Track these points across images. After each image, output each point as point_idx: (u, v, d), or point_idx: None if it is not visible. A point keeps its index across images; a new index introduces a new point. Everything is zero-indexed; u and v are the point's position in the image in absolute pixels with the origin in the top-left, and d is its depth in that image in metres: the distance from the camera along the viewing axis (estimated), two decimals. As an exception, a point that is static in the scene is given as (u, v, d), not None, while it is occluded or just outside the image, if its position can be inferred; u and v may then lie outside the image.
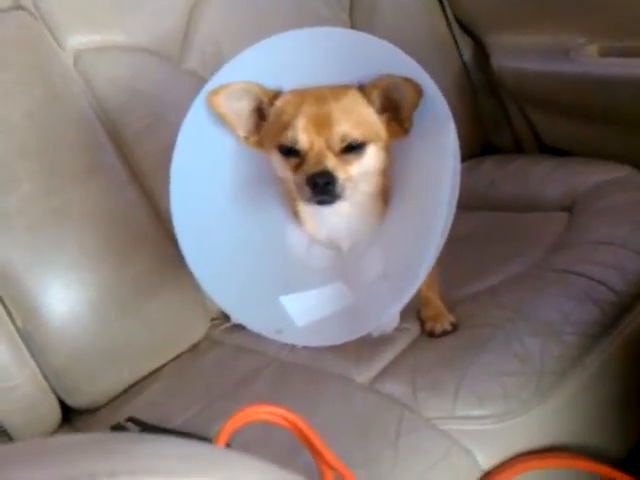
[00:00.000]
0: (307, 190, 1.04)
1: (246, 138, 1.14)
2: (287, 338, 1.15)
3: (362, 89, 1.08)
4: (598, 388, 1.12)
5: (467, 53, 1.77)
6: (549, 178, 1.60)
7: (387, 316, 1.13)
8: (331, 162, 1.03)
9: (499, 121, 1.80)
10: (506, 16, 1.68)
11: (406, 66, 1.04)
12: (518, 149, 1.82)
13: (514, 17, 1.66)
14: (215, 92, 1.10)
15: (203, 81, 1.42)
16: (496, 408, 1.03)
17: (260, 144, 1.14)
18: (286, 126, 1.06)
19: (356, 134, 1.05)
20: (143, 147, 1.35)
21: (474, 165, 1.75)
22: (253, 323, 1.17)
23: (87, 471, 0.37)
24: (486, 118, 1.82)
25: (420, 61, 1.75)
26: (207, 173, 1.16)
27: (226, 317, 1.42)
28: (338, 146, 1.04)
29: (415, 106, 1.04)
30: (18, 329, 1.22)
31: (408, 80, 1.03)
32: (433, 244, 1.03)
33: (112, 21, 1.39)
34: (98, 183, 1.27)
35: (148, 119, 1.35)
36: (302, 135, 1.04)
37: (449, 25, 1.75)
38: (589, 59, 1.54)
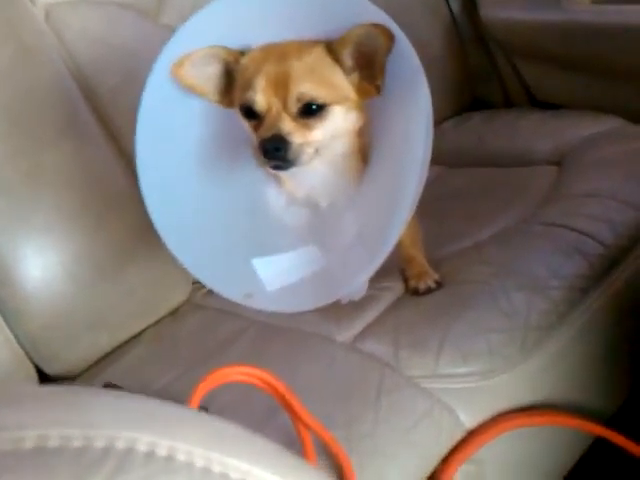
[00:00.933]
0: (259, 154, 0.99)
1: (219, 101, 1.09)
2: (255, 303, 1.11)
3: (329, 46, 1.01)
4: (585, 343, 1.09)
5: (455, 4, 1.71)
6: (538, 132, 1.56)
7: (358, 282, 1.08)
8: (286, 126, 0.98)
9: (488, 74, 1.76)
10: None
11: (376, 18, 0.98)
12: (507, 103, 1.78)
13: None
14: (179, 64, 1.04)
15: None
16: (480, 365, 1.01)
17: (232, 104, 1.08)
18: (248, 86, 1.01)
19: (316, 94, 0.98)
20: (118, 104, 1.30)
21: (462, 120, 1.71)
22: (221, 287, 1.13)
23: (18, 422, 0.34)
24: (475, 72, 1.77)
25: (407, 13, 1.71)
26: (176, 131, 1.11)
27: (207, 281, 1.39)
28: (295, 107, 0.98)
29: (388, 52, 0.98)
30: (-8, 295, 1.19)
31: (378, 26, 0.97)
32: (404, 207, 0.97)
33: (85, -26, 1.33)
34: (72, 142, 1.23)
35: (123, 75, 1.30)
36: (259, 95, 0.99)
37: (437, -24, 1.69)
38: (580, 6, 1.50)
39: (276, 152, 0.97)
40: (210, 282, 1.13)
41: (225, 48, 1.05)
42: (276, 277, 1.09)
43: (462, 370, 1.00)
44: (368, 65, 1.00)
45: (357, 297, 1.11)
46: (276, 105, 0.99)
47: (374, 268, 1.01)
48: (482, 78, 1.77)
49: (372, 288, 1.17)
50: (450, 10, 1.72)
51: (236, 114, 1.06)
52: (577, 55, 1.55)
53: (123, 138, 1.31)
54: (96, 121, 1.28)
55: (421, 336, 1.04)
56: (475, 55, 1.75)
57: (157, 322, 1.33)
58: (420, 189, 0.98)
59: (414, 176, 0.96)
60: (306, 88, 0.98)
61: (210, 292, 1.38)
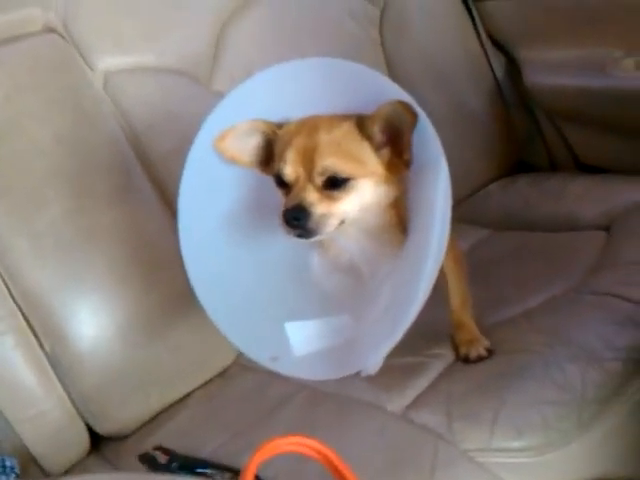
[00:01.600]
0: (283, 223, 1.01)
1: (261, 170, 1.12)
2: (280, 367, 1.10)
3: (360, 121, 1.03)
4: (642, 418, 1.07)
5: (499, 69, 1.74)
6: (585, 196, 1.56)
7: (378, 355, 1.08)
8: (310, 196, 1.00)
9: (533, 138, 1.77)
10: (539, 31, 1.65)
11: (398, 95, 0.99)
12: (553, 167, 1.78)
13: (547, 32, 1.63)
14: (222, 137, 1.08)
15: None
16: (535, 440, 0.99)
17: (273, 172, 1.10)
18: (280, 157, 1.04)
19: (339, 169, 1.01)
20: (171, 169, 1.32)
21: (508, 184, 1.71)
22: (248, 348, 1.13)
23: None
24: (520, 135, 1.78)
25: (453, 78, 1.74)
26: (219, 193, 1.13)
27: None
28: (319, 179, 1.01)
29: (413, 127, 0.99)
30: (46, 353, 1.21)
31: (402, 103, 0.99)
32: (422, 285, 0.95)
33: (142, 43, 1.38)
34: (126, 205, 1.26)
35: (177, 140, 1.33)
36: (288, 167, 1.02)
37: (481, 41, 1.72)
38: (626, 73, 1.50)
39: (295, 221, 1.00)
40: (238, 342, 1.13)
41: (265, 121, 1.09)
42: (305, 342, 1.09)
43: (517, 444, 0.98)
44: (396, 140, 1.02)
45: (372, 372, 1.12)
46: (302, 176, 1.02)
47: (395, 340, 0.98)
48: (527, 141, 1.78)
49: (422, 355, 1.17)
50: (494, 76, 1.74)
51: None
52: (623, 120, 1.55)
53: (175, 202, 1.34)
54: (150, 185, 1.32)
55: (475, 407, 1.03)
56: (520, 119, 1.77)
57: (206, 383, 1.34)
58: (439, 263, 0.96)
59: (432, 251, 0.95)
60: (330, 162, 1.01)
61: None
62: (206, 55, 1.44)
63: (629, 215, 1.44)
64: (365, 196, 1.04)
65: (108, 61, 1.34)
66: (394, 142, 1.03)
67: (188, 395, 1.32)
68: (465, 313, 1.17)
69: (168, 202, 1.33)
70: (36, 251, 1.19)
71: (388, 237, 1.09)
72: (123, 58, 1.36)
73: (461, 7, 1.71)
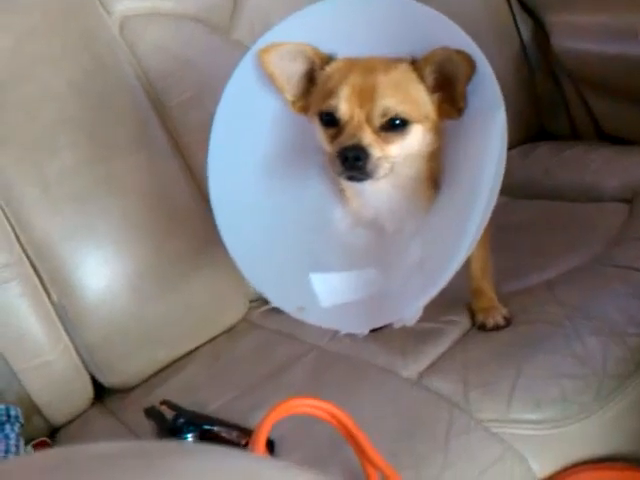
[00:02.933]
0: (338, 163, 0.98)
1: (293, 102, 1.08)
2: (307, 317, 1.09)
3: (415, 64, 1.00)
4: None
5: (526, 32, 1.68)
6: (608, 167, 1.52)
7: (414, 308, 1.05)
8: (367, 137, 0.97)
9: (556, 105, 1.72)
10: (570, -6, 1.59)
11: (460, 41, 0.96)
12: (575, 135, 1.73)
13: (578, -5, 1.58)
14: (267, 50, 1.04)
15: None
16: (553, 412, 0.97)
17: (306, 109, 1.07)
18: (330, 94, 1.00)
19: (400, 110, 0.98)
20: (188, 119, 1.30)
21: (528, 150, 1.67)
22: (275, 296, 1.11)
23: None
24: (543, 102, 1.73)
25: (477, 39, 1.67)
26: (248, 141, 1.10)
27: (265, 299, 1.37)
28: (378, 121, 0.97)
29: (468, 80, 0.97)
30: (53, 303, 1.19)
31: (461, 52, 0.96)
32: (467, 236, 0.95)
33: (160, -14, 1.33)
34: (141, 155, 1.23)
35: (194, 90, 1.30)
36: (343, 104, 0.98)
37: (508, 2, 1.66)
38: (660, 41, 1.45)
39: (356, 162, 0.96)
40: (264, 290, 1.11)
41: (315, 49, 1.04)
42: (331, 294, 1.07)
43: (535, 416, 0.96)
44: (449, 88, 0.99)
45: (410, 323, 1.09)
46: (358, 116, 0.98)
47: (431, 295, 0.98)
48: (550, 108, 1.73)
49: (437, 321, 1.15)
50: (521, 38, 1.69)
51: (310, 121, 1.05)
52: (653, 91, 1.51)
53: (190, 153, 1.31)
54: (165, 134, 1.29)
55: (492, 377, 1.00)
56: (544, 85, 1.72)
57: (214, 339, 1.32)
58: (487, 219, 0.95)
59: (481, 203, 0.93)
60: (392, 103, 0.98)
61: (267, 312, 1.36)
62: (226, 3, 1.40)
63: (653, 188, 1.40)
64: (416, 142, 1.01)
65: (125, 4, 1.30)
66: (446, 88, 1.00)
67: (195, 350, 1.31)
68: (484, 280, 1.14)
69: (182, 153, 1.30)
70: (47, 199, 1.16)
71: (418, 191, 1.06)
72: (141, 2, 1.31)
73: (491, -34, 1.65)
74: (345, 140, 0.97)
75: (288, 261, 1.10)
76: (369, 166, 0.97)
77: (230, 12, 1.40)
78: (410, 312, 1.07)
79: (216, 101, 1.30)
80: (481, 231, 0.96)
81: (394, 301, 1.05)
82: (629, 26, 1.50)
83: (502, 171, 0.96)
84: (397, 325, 1.10)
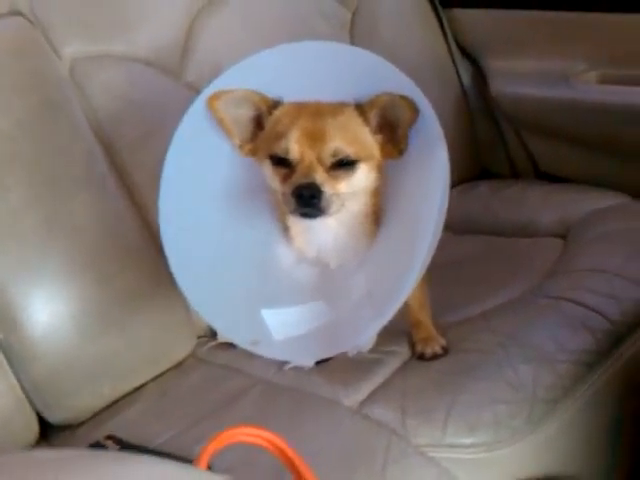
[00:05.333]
0: (292, 201, 1.03)
1: (241, 146, 1.13)
2: (262, 350, 1.13)
3: (359, 107, 1.07)
4: (591, 417, 1.10)
5: (466, 77, 1.76)
6: (544, 204, 1.59)
7: (365, 336, 1.11)
8: (320, 176, 1.03)
9: (495, 146, 1.80)
10: (505, 41, 1.68)
11: (401, 83, 1.03)
12: (513, 174, 1.81)
13: (514, 42, 1.67)
14: (216, 96, 1.10)
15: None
16: (487, 436, 1.01)
17: (254, 153, 1.13)
18: (280, 136, 1.05)
19: (348, 151, 1.04)
20: (136, 158, 1.33)
21: (469, 189, 1.73)
22: (230, 332, 1.14)
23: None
24: (482, 143, 1.81)
25: (419, 84, 1.74)
26: (198, 179, 1.14)
27: (213, 335, 1.39)
28: (329, 161, 1.04)
29: (411, 125, 1.04)
30: (-1, 340, 1.19)
31: (405, 98, 1.03)
32: (415, 268, 1.01)
33: (111, 31, 1.37)
34: (89, 194, 1.24)
35: (143, 130, 1.33)
36: (294, 145, 1.04)
37: (449, 49, 1.74)
38: (589, 86, 1.54)
39: (311, 199, 1.01)
40: (218, 326, 1.15)
41: (261, 95, 1.10)
42: (283, 327, 1.11)
43: (469, 440, 1.00)
44: (391, 129, 1.06)
45: (365, 349, 1.13)
46: (310, 156, 1.03)
47: (382, 323, 1.03)
48: (489, 148, 1.81)
49: (378, 352, 1.18)
50: (461, 82, 1.76)
51: (259, 163, 1.11)
52: (584, 132, 1.59)
53: (139, 192, 1.33)
54: (113, 174, 1.30)
55: (428, 404, 1.04)
56: (483, 126, 1.79)
57: (160, 375, 1.33)
58: (432, 252, 1.01)
59: (427, 238, 0.99)
60: (340, 144, 1.04)
61: (215, 347, 1.38)
62: (176, 47, 1.43)
63: (585, 224, 1.47)
64: (362, 179, 1.07)
65: (76, 47, 1.32)
66: (389, 130, 1.07)
67: (142, 386, 1.31)
68: (422, 311, 1.19)
69: (131, 193, 1.32)
70: None
71: (361, 226, 1.12)
72: (91, 45, 1.34)
73: (431, 14, 1.73)
74: (299, 179, 1.02)
75: (238, 295, 1.14)
76: (323, 203, 1.02)
77: (180, 55, 1.43)
78: (364, 340, 1.12)
79: (165, 141, 1.34)
80: (427, 264, 1.02)
81: (346, 331, 1.10)
82: (561, 72, 1.59)
83: (445, 206, 1.02)
84: (352, 353, 1.14)
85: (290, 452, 0.86)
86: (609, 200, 1.53)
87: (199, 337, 1.39)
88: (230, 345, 1.35)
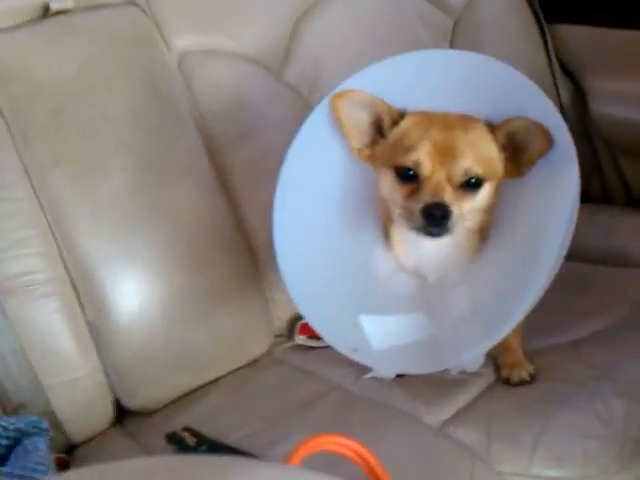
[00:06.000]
0: (419, 219, 1.00)
1: (359, 150, 1.11)
2: (362, 358, 1.11)
3: (490, 125, 1.04)
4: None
5: (565, 95, 1.71)
6: (637, 234, 1.53)
7: (472, 355, 1.08)
8: (448, 195, 1.00)
9: (589, 168, 1.74)
10: (609, 61, 1.63)
11: (540, 104, 1.00)
12: (605, 199, 1.75)
13: (617, 63, 1.61)
14: (340, 95, 1.07)
15: (299, 96, 1.43)
16: (575, 471, 0.98)
17: (372, 159, 1.10)
18: (409, 148, 1.02)
19: (478, 171, 1.01)
20: (235, 155, 1.34)
21: (559, 211, 1.69)
22: (331, 338, 1.13)
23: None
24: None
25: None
26: (311, 185, 1.14)
27: (290, 335, 1.39)
28: (459, 180, 1.01)
29: (542, 155, 1.01)
30: (87, 322, 1.21)
31: (540, 127, 1.00)
32: (533, 292, 0.99)
33: (221, 26, 1.38)
34: (188, 185, 1.26)
35: (243, 127, 1.34)
36: (426, 161, 1.01)
37: (550, 65, 1.70)
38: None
39: (441, 219, 0.99)
40: (321, 331, 1.13)
41: (386, 104, 1.07)
42: (383, 337, 1.09)
43: (556, 473, 0.97)
44: (517, 151, 1.03)
45: (471, 369, 1.11)
46: (439, 173, 1.00)
47: (490, 344, 1.01)
48: (583, 170, 1.75)
49: (462, 372, 1.16)
50: (559, 100, 1.72)
51: (376, 171, 1.09)
52: (684, 161, 1.54)
53: (235, 187, 1.35)
54: (212, 167, 1.32)
55: (515, 431, 1.01)
56: (579, 148, 1.73)
57: (236, 370, 1.34)
58: (552, 276, 0.97)
59: (550, 259, 0.96)
60: (472, 163, 1.01)
61: (291, 348, 1.38)
62: (280, 47, 1.43)
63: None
64: (485, 198, 1.04)
65: (185, 40, 1.34)
66: (515, 151, 1.04)
67: (217, 380, 1.31)
68: (513, 335, 1.15)
69: (227, 188, 1.34)
70: (94, 220, 1.19)
71: (467, 242, 1.09)
72: (201, 39, 1.36)
73: (535, 28, 1.69)
74: (428, 197, 1.00)
75: (342, 302, 1.13)
76: (450, 223, 1.00)
77: (282, 56, 1.43)
78: (469, 359, 1.10)
79: (262, 140, 1.36)
80: (546, 287, 0.99)
81: (449, 347, 1.07)
82: (667, 97, 1.53)
83: (571, 233, 0.99)
84: (455, 372, 1.12)
85: (379, 469, 0.85)
86: None
87: (276, 336, 1.40)
88: (306, 347, 1.35)
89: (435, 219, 0.99)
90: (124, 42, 1.25)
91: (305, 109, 1.36)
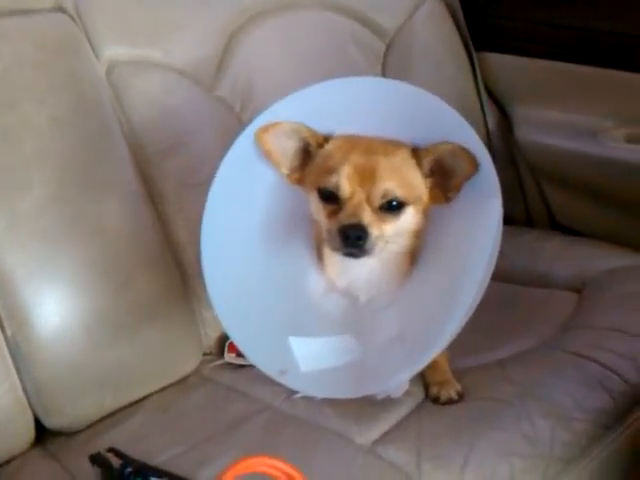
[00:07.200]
0: (338, 240, 1.02)
1: (288, 175, 1.13)
2: (289, 381, 1.11)
3: (415, 150, 1.06)
4: (605, 479, 1.08)
5: (491, 121, 1.76)
6: (560, 256, 1.58)
7: (397, 380, 1.09)
8: (367, 217, 1.01)
9: (513, 193, 1.79)
10: (536, 90, 1.68)
11: (461, 131, 1.02)
12: (528, 222, 1.81)
13: (544, 92, 1.67)
14: (265, 129, 1.10)
15: (231, 110, 1.42)
16: (502, 491, 0.99)
17: (301, 182, 1.12)
18: (331, 171, 1.04)
19: (398, 193, 1.03)
20: (164, 168, 1.32)
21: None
22: (258, 360, 1.13)
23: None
24: (501, 188, 1.80)
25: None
26: (242, 205, 1.14)
27: (219, 353, 1.37)
28: (378, 202, 1.02)
29: (468, 178, 1.04)
30: (6, 338, 1.16)
31: (465, 151, 1.02)
32: (458, 317, 1.01)
33: (152, 37, 1.36)
34: (113, 199, 1.23)
35: (172, 140, 1.33)
36: (345, 183, 1.02)
37: (478, 91, 1.74)
38: (616, 144, 1.55)
39: (357, 241, 1.00)
40: (248, 352, 1.13)
41: (311, 130, 1.09)
42: (311, 359, 1.09)
43: (484, 493, 0.98)
44: (444, 177, 1.05)
45: (396, 395, 1.11)
46: (359, 195, 1.02)
47: (415, 371, 1.02)
48: (507, 195, 1.80)
49: (387, 397, 1.16)
50: (486, 125, 1.77)
51: (306, 193, 1.10)
52: (608, 188, 1.59)
53: (162, 200, 1.32)
54: (139, 180, 1.29)
55: (444, 450, 1.02)
56: (503, 172, 1.77)
57: (163, 389, 1.31)
58: (477, 302, 0.99)
59: (474, 284, 0.97)
60: (392, 186, 1.02)
61: (220, 366, 1.36)
62: (212, 61, 1.43)
63: (600, 281, 1.46)
64: (408, 222, 1.05)
65: (115, 50, 1.32)
66: (441, 176, 1.06)
67: (143, 399, 1.28)
68: (440, 354, 1.16)
69: (154, 201, 1.31)
70: (13, 233, 1.15)
71: (397, 265, 1.10)
72: (130, 50, 1.34)
73: (464, 56, 1.74)
74: (346, 218, 1.01)
75: (269, 322, 1.12)
76: (368, 245, 1.01)
77: (215, 70, 1.43)
78: (394, 385, 1.10)
79: (192, 153, 1.35)
80: (469, 314, 1.00)
81: (375, 372, 1.08)
82: (589, 126, 1.59)
83: (495, 258, 1.01)
84: (380, 396, 1.12)
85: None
86: (625, 259, 1.52)
87: (204, 354, 1.38)
88: (236, 366, 1.33)
89: (351, 240, 1.00)
90: (50, 48, 1.22)
91: (237, 124, 1.37)
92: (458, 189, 1.05)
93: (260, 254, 1.14)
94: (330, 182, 1.03)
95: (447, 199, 1.07)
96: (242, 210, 1.13)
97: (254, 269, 1.13)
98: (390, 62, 1.67)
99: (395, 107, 1.08)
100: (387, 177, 1.02)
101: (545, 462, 1.02)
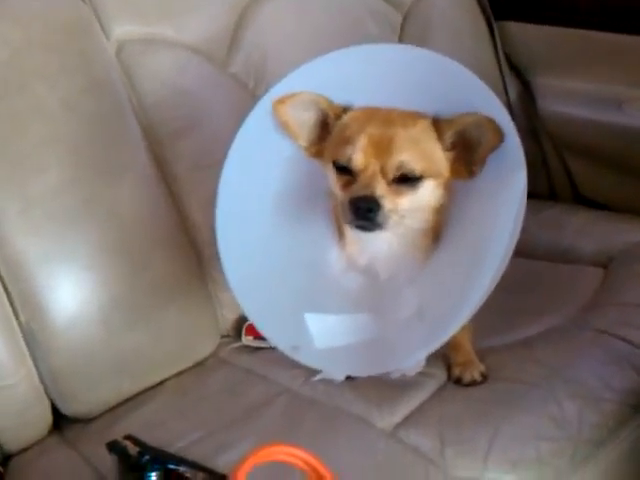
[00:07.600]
0: (349, 212, 0.98)
1: (307, 148, 1.09)
2: (302, 357, 1.08)
3: (436, 122, 1.02)
4: (634, 461, 1.05)
5: (513, 93, 1.70)
6: (585, 231, 1.54)
7: (413, 359, 1.06)
8: (380, 189, 0.98)
9: (536, 166, 1.74)
10: (558, 60, 1.63)
11: (488, 103, 0.98)
12: (551, 196, 1.76)
13: (567, 61, 1.62)
14: (281, 101, 1.06)
15: (245, 87, 1.38)
16: (529, 474, 0.96)
17: (320, 154, 1.08)
18: (347, 142, 1.01)
19: (414, 166, 0.99)
20: (177, 148, 1.29)
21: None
22: (271, 333, 1.10)
23: None
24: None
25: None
26: (257, 180, 1.10)
27: (237, 335, 1.35)
28: (392, 174, 0.99)
29: (493, 150, 0.99)
30: (21, 325, 1.15)
31: (492, 121, 0.98)
32: (478, 294, 0.97)
33: (162, 15, 1.33)
34: (127, 180, 1.21)
35: (185, 119, 1.30)
36: (359, 154, 0.99)
37: (498, 62, 1.69)
38: (641, 112, 1.50)
39: (367, 213, 0.97)
40: (261, 327, 1.11)
41: (329, 101, 1.06)
42: (326, 336, 1.06)
43: (510, 477, 0.95)
44: (467, 150, 1.01)
45: (410, 374, 1.09)
46: (373, 167, 0.98)
47: (433, 348, 0.99)
48: (530, 167, 1.75)
49: (402, 376, 1.13)
50: (507, 97, 1.71)
51: (323, 165, 1.07)
52: (630, 159, 1.55)
53: (176, 181, 1.30)
54: (152, 161, 1.27)
55: (468, 434, 0.99)
56: (526, 144, 1.73)
57: (180, 373, 1.29)
58: (497, 279, 0.95)
59: (495, 262, 0.94)
60: (407, 158, 0.98)
61: (239, 349, 1.34)
62: (224, 37, 1.39)
63: (627, 255, 1.42)
64: (426, 196, 1.02)
65: (125, 29, 1.29)
66: (464, 150, 1.01)
67: (161, 384, 1.27)
68: (463, 334, 1.13)
69: (168, 182, 1.29)
70: (27, 217, 1.13)
71: (419, 241, 1.07)
72: (140, 28, 1.30)
73: (483, 25, 1.68)
74: (358, 190, 0.98)
75: (285, 298, 1.10)
76: (380, 218, 0.97)
77: (227, 46, 1.39)
78: (410, 363, 1.07)
79: (206, 132, 1.31)
80: (490, 291, 0.97)
81: (392, 350, 1.05)
82: (614, 96, 1.54)
83: (517, 235, 0.97)
84: (394, 375, 1.09)
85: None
86: (652, 232, 1.48)
87: (222, 337, 1.36)
88: (253, 348, 1.31)
89: (361, 212, 0.97)
90: (60, 29, 1.20)
91: (251, 101, 1.32)
92: (482, 162, 1.01)
93: (277, 229, 1.11)
94: (345, 154, 1.00)
95: (471, 173, 1.02)
96: (258, 184, 1.10)
97: (270, 243, 1.10)
98: (407, 34, 1.62)
99: (414, 74, 1.04)
100: (404, 149, 0.98)
101: (573, 445, 0.99)
